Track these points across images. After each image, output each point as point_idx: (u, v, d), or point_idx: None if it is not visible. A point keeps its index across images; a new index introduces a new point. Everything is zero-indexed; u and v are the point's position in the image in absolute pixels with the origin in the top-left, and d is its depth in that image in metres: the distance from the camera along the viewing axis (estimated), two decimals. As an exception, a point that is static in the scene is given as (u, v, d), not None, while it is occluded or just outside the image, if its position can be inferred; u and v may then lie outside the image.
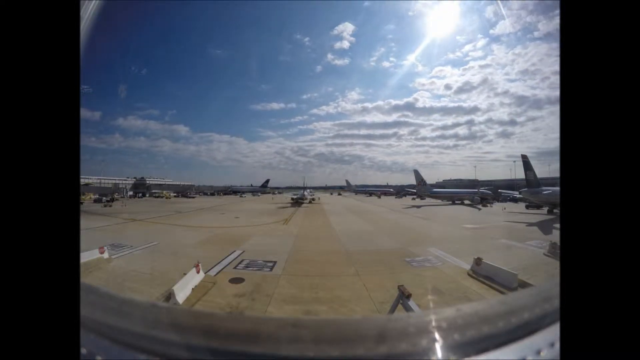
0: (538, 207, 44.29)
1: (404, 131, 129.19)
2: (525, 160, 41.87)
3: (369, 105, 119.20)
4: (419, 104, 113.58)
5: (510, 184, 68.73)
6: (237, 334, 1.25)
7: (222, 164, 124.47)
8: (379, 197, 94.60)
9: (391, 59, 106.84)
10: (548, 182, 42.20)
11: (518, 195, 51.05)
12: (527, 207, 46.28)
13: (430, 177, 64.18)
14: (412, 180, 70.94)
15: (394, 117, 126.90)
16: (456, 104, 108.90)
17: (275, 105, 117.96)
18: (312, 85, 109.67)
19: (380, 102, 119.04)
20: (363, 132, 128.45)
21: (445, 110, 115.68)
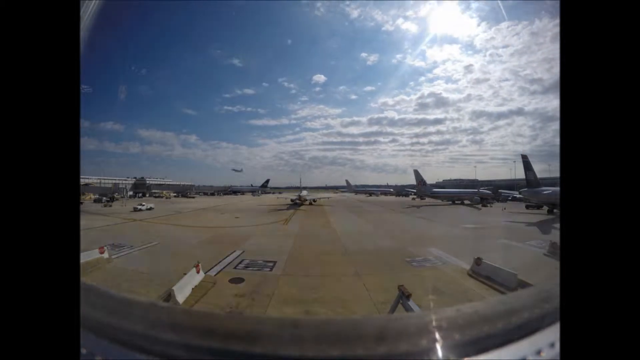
0: (538, 207, 44.29)
1: (385, 139, 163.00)
2: (526, 160, 41.89)
3: (346, 119, 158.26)
4: (389, 120, 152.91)
5: (510, 184, 68.78)
6: (237, 334, 1.25)
7: (226, 165, 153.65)
8: (378, 196, 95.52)
9: (356, 93, 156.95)
10: (547, 182, 42.22)
11: (518, 195, 51.06)
12: (527, 207, 46.29)
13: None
14: (410, 180, 71.54)
15: (369, 129, 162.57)
16: (421, 117, 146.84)
17: (272, 122, 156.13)
18: (299, 109, 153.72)
19: (356, 118, 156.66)
20: (347, 139, 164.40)
21: (413, 123, 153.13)
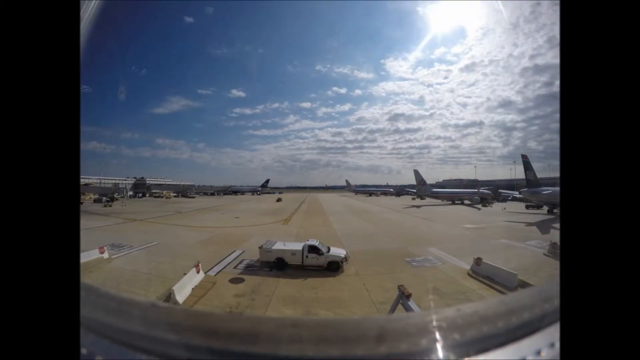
0: (538, 207, 44.27)
1: (371, 144, 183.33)
2: (526, 160, 41.87)
3: (332, 130, 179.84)
4: (368, 130, 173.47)
5: (510, 184, 68.80)
6: (237, 334, 1.25)
7: (228, 167, 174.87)
8: (378, 196, 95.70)
9: (336, 112, 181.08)
10: (547, 182, 42.23)
11: (518, 195, 51.03)
12: (527, 207, 46.26)
13: (412, 179, 69.05)
14: (406, 180, 71.94)
15: (353, 137, 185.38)
16: (394, 128, 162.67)
17: (271, 132, 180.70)
18: (291, 124, 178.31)
19: (341, 129, 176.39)
20: (337, 145, 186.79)
21: (390, 132, 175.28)
